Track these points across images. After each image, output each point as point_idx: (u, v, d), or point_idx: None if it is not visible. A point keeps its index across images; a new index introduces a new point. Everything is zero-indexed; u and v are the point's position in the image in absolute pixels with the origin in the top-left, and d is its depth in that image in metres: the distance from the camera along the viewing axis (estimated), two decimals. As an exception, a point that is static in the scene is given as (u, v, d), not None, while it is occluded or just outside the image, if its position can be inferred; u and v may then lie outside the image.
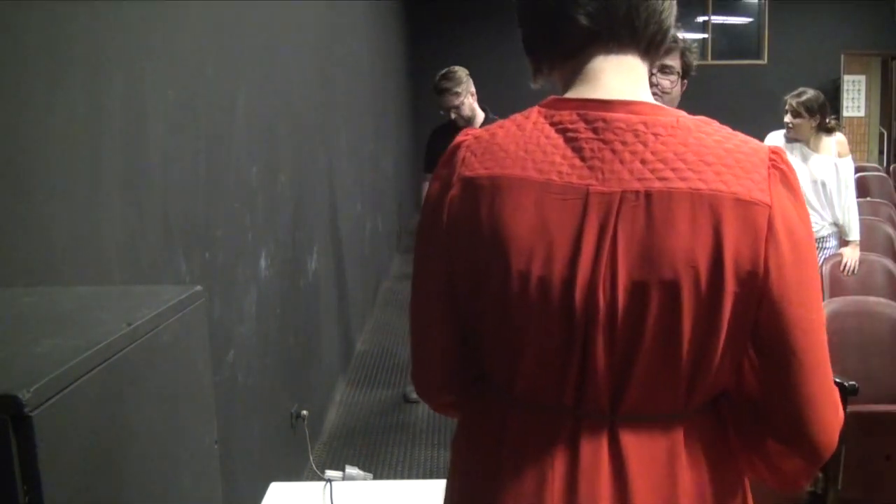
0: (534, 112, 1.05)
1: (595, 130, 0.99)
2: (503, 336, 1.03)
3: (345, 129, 4.90)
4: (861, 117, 11.40)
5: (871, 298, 3.10)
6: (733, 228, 0.93)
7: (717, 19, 10.74)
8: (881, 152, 11.29)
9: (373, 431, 4.07)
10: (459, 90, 4.12)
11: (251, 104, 2.77)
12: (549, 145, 1.00)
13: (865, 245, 4.29)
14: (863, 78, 11.28)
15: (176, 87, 2.05)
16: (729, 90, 9.72)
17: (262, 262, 2.89)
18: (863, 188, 6.40)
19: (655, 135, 0.97)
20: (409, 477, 3.57)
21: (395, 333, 5.63)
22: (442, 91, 4.13)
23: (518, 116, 1.06)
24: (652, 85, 1.78)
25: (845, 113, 11.00)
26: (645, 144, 0.97)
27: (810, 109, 4.07)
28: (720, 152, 0.96)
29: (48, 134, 1.44)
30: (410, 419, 4.21)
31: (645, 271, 0.94)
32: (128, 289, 1.40)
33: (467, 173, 1.04)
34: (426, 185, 4.46)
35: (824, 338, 1.00)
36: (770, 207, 0.94)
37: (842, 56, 10.65)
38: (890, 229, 4.89)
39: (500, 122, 1.07)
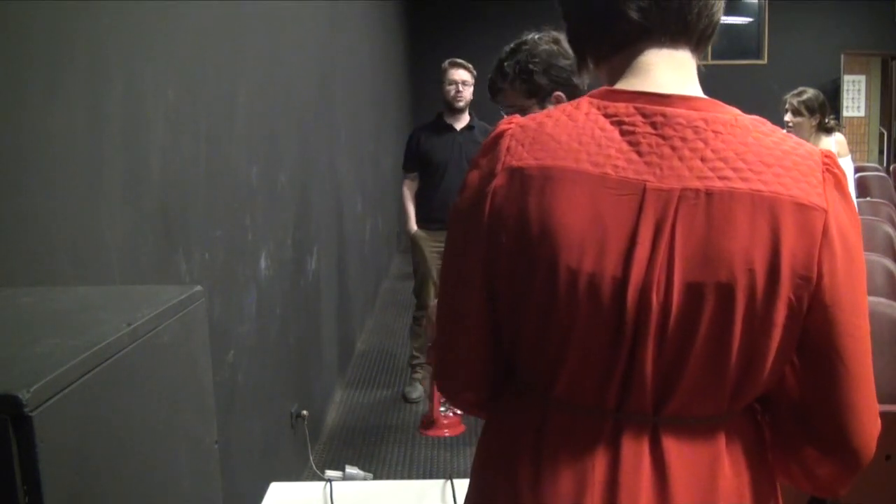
0: (584, 102, 1.01)
1: (654, 125, 0.96)
2: (546, 335, 0.99)
3: (345, 129, 4.90)
4: (861, 117, 11.39)
5: (871, 298, 3.09)
6: (791, 232, 0.91)
7: (717, 19, 10.72)
8: (881, 152, 11.28)
9: (372, 431, 4.07)
10: (471, 68, 4.18)
11: (251, 104, 2.77)
12: (604, 138, 0.96)
13: (865, 245, 4.27)
14: (863, 78, 11.28)
15: (176, 87, 2.05)
16: (729, 90, 9.63)
17: (262, 262, 2.89)
18: (863, 188, 6.41)
19: (715, 132, 0.95)
20: (409, 477, 3.57)
21: (395, 334, 5.63)
22: (457, 64, 4.18)
23: (567, 106, 1.02)
24: None
25: (845, 113, 10.99)
26: (705, 142, 0.94)
27: (810, 108, 4.08)
28: (778, 154, 0.94)
29: (48, 133, 1.44)
30: (410, 419, 4.21)
31: (701, 273, 0.91)
32: (128, 289, 1.40)
33: (514, 163, 0.98)
34: (407, 184, 4.42)
35: (870, 345, 0.98)
36: (826, 212, 0.93)
37: (842, 56, 10.63)
38: (890, 229, 4.89)
39: (547, 111, 1.03)
